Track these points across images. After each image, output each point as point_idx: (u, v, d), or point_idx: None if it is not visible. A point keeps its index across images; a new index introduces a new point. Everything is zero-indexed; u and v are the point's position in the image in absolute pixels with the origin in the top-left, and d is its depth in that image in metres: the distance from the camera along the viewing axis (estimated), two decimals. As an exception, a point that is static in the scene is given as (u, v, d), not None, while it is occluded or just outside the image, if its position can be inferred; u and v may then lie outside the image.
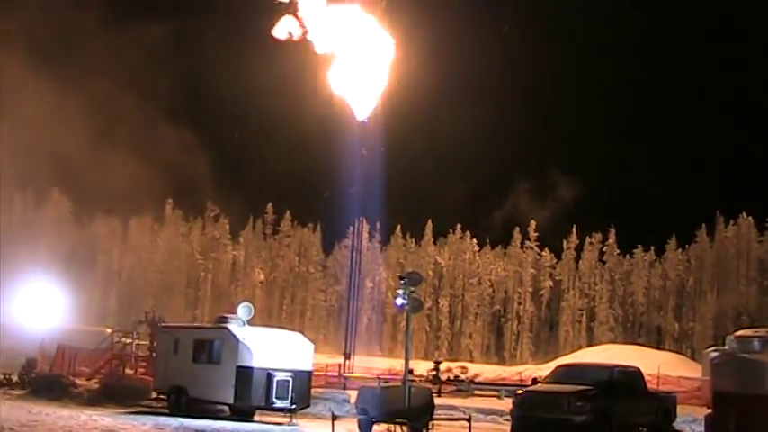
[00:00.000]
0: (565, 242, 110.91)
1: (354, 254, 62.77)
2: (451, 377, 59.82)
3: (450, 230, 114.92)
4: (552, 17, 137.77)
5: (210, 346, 31.58)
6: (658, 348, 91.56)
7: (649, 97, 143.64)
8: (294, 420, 30.28)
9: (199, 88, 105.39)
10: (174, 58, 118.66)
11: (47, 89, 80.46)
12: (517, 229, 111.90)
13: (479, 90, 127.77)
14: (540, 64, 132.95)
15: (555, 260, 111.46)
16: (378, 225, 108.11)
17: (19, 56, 76.31)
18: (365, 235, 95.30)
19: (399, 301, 28.43)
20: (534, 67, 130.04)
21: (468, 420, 29.08)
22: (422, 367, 60.28)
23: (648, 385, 29.97)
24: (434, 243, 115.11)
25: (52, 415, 27.30)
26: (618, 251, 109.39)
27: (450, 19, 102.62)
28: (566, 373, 26.58)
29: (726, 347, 33.06)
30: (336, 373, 53.77)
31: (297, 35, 56.03)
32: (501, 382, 61.98)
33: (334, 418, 28.20)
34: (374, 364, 68.97)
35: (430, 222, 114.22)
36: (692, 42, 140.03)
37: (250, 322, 32.20)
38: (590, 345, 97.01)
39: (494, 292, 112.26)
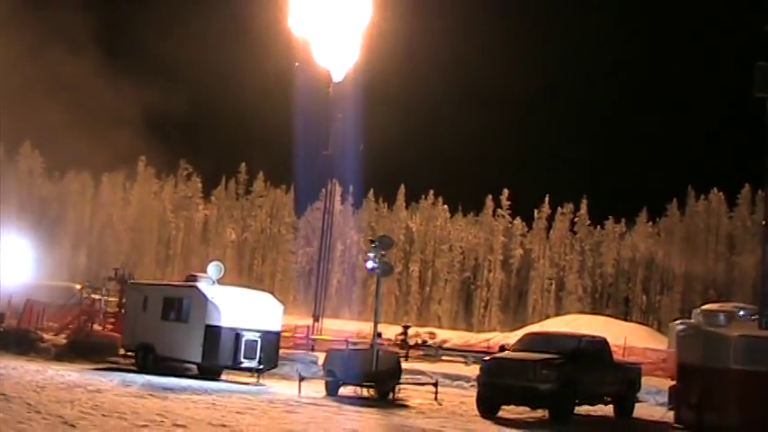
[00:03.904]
0: (536, 211, 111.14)
1: (326, 216, 62.77)
2: (419, 342, 60.01)
3: (423, 196, 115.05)
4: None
5: (179, 304, 31.64)
6: (625, 320, 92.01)
7: (623, 71, 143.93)
8: (261, 380, 30.39)
9: (175, 47, 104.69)
10: (146, 15, 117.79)
11: (16, 42, 79.79)
12: (489, 197, 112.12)
13: (456, 55, 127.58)
14: (517, 35, 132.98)
15: (526, 229, 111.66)
16: (350, 188, 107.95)
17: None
18: (338, 198, 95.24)
19: (370, 264, 28.63)
20: (510, 37, 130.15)
21: (435, 385, 29.33)
22: (390, 331, 60.45)
23: (614, 356, 30.21)
24: (406, 208, 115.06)
25: (19, 369, 27.32)
26: (589, 222, 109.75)
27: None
28: (533, 342, 26.74)
29: (692, 320, 33.31)
30: (305, 335, 53.85)
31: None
32: (468, 348, 62.19)
33: (302, 379, 28.36)
34: (343, 327, 69.09)
35: (403, 187, 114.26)
36: (665, 21, 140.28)
37: (220, 281, 32.27)
38: (558, 314, 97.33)
39: (464, 258, 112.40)
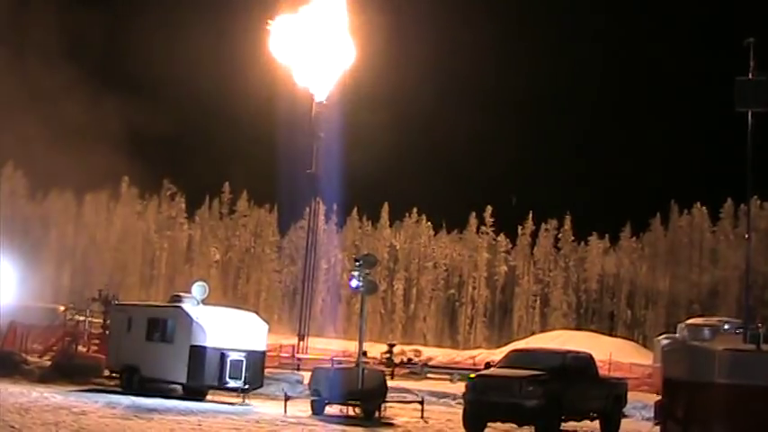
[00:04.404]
0: (520, 228, 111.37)
1: (310, 235, 62.86)
2: (405, 360, 59.96)
3: (407, 214, 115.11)
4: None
5: (164, 324, 31.56)
6: (610, 335, 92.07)
7: (606, 85, 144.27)
8: (247, 400, 30.31)
9: (158, 66, 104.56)
10: (129, 35, 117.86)
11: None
12: (473, 214, 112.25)
13: (438, 75, 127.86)
14: (501, 52, 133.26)
15: (510, 246, 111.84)
16: (334, 207, 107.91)
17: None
18: (321, 217, 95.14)
19: (354, 282, 28.60)
20: (495, 55, 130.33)
21: (421, 403, 29.28)
22: (375, 350, 60.37)
23: (600, 371, 30.20)
24: (390, 226, 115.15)
25: (3, 392, 27.17)
26: (573, 238, 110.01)
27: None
28: (518, 358, 26.72)
29: (677, 335, 33.33)
30: (290, 354, 53.78)
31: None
32: (454, 365, 62.21)
33: (287, 398, 28.30)
34: (328, 346, 69.04)
35: (386, 205, 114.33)
36: (648, 33, 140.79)
37: (204, 302, 32.19)
38: (543, 330, 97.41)
39: (448, 276, 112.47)
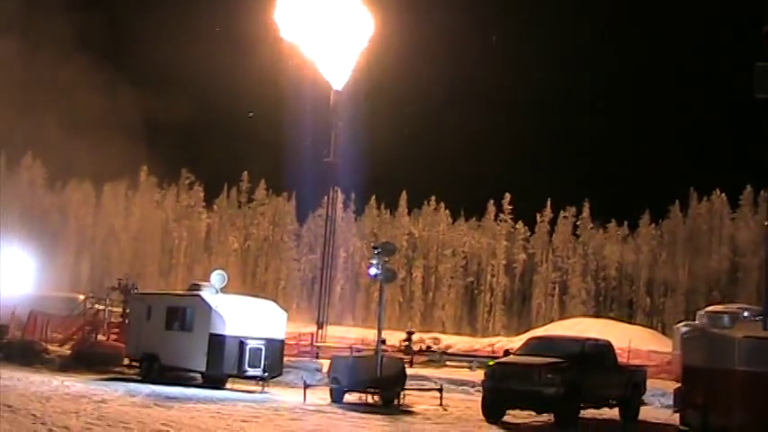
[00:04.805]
0: (539, 215, 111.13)
1: (329, 223, 62.84)
2: (424, 348, 59.99)
3: (425, 202, 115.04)
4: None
5: (183, 313, 31.64)
6: (629, 322, 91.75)
7: (625, 72, 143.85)
8: (266, 389, 30.37)
9: (176, 56, 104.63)
10: (147, 25, 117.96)
11: (16, 52, 79.97)
12: (491, 201, 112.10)
13: (456, 61, 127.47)
14: (517, 37, 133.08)
15: (529, 233, 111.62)
16: (352, 195, 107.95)
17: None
18: (339, 205, 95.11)
19: (373, 270, 28.58)
20: (511, 40, 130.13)
21: (440, 391, 29.31)
22: (394, 338, 60.42)
23: (619, 359, 30.20)
24: (409, 214, 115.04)
25: (24, 380, 27.31)
26: (591, 225, 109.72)
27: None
28: (537, 346, 26.72)
29: (696, 322, 33.31)
30: (309, 342, 53.82)
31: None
32: (473, 353, 62.15)
33: (306, 386, 28.36)
34: (347, 334, 69.09)
35: (404, 193, 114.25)
36: (667, 18, 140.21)
37: (223, 290, 32.26)
38: (562, 318, 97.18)
39: (467, 263, 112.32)
